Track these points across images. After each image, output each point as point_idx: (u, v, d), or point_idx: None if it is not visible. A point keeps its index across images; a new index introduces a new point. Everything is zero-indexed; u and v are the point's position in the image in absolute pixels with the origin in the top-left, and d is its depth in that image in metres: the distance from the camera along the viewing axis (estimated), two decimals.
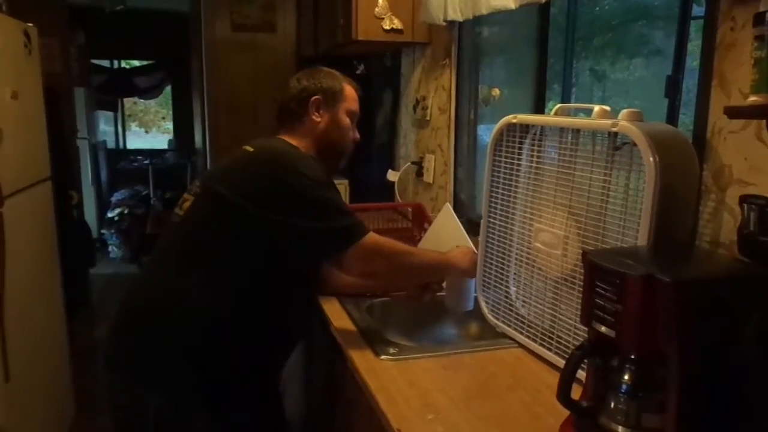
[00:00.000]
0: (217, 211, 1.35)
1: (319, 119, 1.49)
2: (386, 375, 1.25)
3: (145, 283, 1.41)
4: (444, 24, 2.17)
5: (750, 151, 1.12)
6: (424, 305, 1.59)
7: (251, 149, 1.41)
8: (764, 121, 1.04)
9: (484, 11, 1.87)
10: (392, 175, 2.76)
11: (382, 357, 1.33)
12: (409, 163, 2.70)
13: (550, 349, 1.30)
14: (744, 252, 1.05)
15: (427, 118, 2.54)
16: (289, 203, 1.30)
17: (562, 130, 1.29)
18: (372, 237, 1.35)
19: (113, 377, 1.38)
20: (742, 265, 1.03)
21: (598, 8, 2.01)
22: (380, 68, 3.11)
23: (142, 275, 1.46)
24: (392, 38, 2.45)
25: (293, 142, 1.46)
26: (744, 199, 1.04)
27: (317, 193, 1.31)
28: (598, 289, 0.96)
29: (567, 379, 0.96)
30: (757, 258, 1.02)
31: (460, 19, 2.05)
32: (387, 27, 2.42)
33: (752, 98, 0.93)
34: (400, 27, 2.43)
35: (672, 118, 1.40)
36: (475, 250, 1.57)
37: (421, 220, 2.15)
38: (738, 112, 1.02)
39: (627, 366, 0.95)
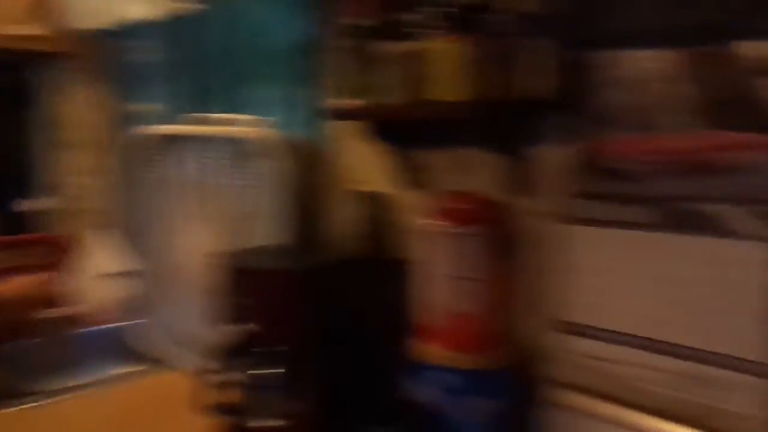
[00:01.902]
0: None
1: None
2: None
3: None
4: (83, 34, 1.99)
5: (362, 152, 1.24)
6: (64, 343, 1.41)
7: None
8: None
9: (115, 22, 1.78)
10: (33, 204, 2.40)
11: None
12: (54, 190, 2.37)
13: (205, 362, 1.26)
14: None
15: (74, 138, 2.27)
16: None
17: (196, 140, 1.27)
18: None
19: None
20: (355, 254, 1.14)
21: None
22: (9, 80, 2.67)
23: None
24: (22, 45, 2.12)
25: None
26: (359, 195, 1.16)
27: None
28: (236, 290, 0.96)
29: (212, 386, 0.94)
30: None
31: (95, 28, 1.90)
32: (17, 32, 2.08)
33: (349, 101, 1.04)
34: (35, 33, 2.12)
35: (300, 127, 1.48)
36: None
37: (65, 251, 1.91)
38: (344, 115, 1.11)
39: (270, 360, 0.96)
